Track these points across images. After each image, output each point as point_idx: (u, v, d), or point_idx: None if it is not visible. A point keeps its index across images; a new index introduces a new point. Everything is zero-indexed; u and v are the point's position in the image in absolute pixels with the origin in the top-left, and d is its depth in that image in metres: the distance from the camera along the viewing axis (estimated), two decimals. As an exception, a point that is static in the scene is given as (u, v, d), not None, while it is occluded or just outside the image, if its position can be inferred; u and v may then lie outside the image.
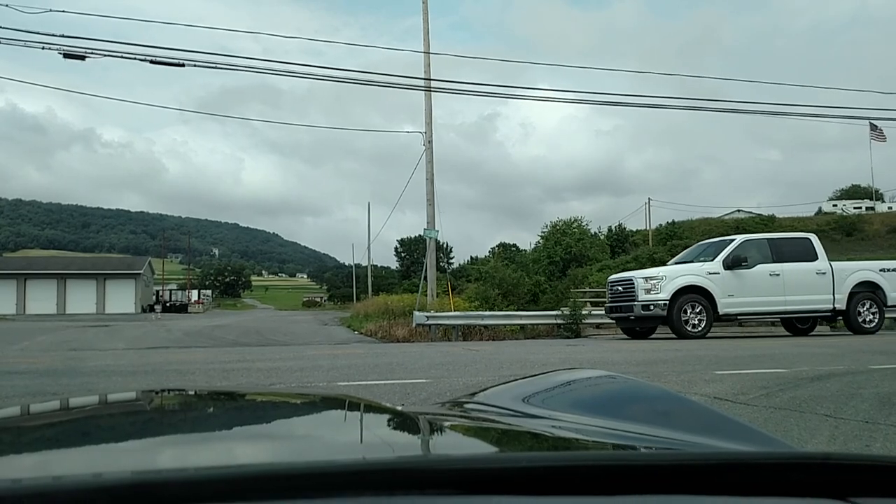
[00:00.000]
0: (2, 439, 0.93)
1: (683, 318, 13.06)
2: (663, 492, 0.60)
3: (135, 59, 15.94)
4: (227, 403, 1.35)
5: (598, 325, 16.50)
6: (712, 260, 13.68)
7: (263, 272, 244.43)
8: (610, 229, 53.72)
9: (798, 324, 15.05)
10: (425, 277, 20.21)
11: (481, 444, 0.98)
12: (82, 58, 15.30)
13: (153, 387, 5.38)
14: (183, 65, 16.11)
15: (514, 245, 57.88)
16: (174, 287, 77.21)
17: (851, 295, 14.05)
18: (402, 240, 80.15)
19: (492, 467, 0.63)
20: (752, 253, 13.74)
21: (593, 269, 34.96)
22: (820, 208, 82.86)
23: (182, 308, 62.61)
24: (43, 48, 14.77)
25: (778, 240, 14.69)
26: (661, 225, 62.14)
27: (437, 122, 19.73)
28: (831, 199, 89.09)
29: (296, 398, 1.56)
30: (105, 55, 15.52)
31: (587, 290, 21.94)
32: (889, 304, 14.40)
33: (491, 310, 18.01)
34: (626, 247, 50.12)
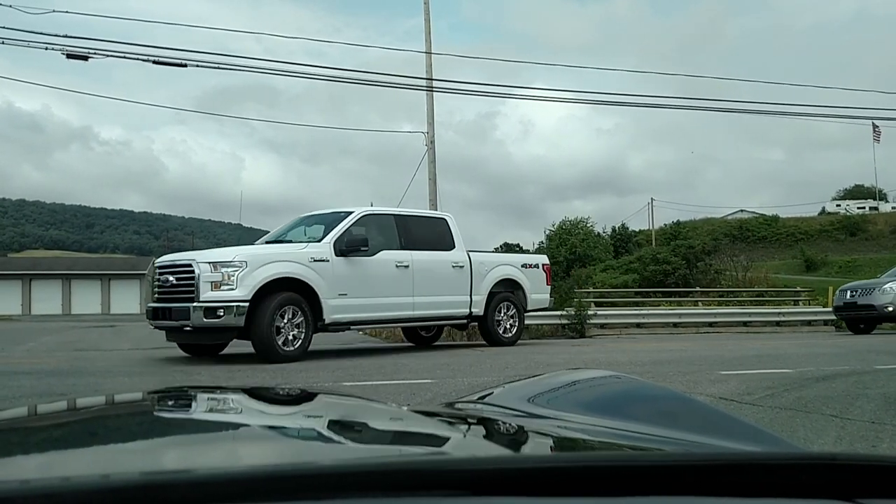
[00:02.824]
0: (9, 440, 0.94)
1: (277, 326, 8.22)
2: (669, 493, 0.60)
3: (137, 59, 15.98)
4: (232, 404, 1.35)
5: (602, 326, 16.54)
6: (319, 240, 8.99)
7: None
8: (614, 229, 53.70)
9: (422, 331, 11.70)
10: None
11: (487, 445, 0.98)
12: (85, 58, 15.31)
13: (159, 387, 5.39)
14: (185, 65, 16.12)
15: (518, 245, 57.86)
16: (178, 287, 77.33)
17: (491, 296, 10.67)
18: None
19: (498, 468, 0.63)
20: (374, 234, 9.46)
21: (597, 269, 35.00)
22: (823, 208, 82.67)
23: (186, 308, 62.63)
24: (46, 49, 14.80)
25: (408, 217, 10.35)
26: (665, 225, 62.16)
27: (436, 120, 19.69)
28: (835, 199, 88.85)
29: (301, 398, 1.56)
30: (108, 55, 15.55)
31: (591, 290, 21.91)
32: (529, 307, 11.37)
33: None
34: (629, 247, 50.09)
